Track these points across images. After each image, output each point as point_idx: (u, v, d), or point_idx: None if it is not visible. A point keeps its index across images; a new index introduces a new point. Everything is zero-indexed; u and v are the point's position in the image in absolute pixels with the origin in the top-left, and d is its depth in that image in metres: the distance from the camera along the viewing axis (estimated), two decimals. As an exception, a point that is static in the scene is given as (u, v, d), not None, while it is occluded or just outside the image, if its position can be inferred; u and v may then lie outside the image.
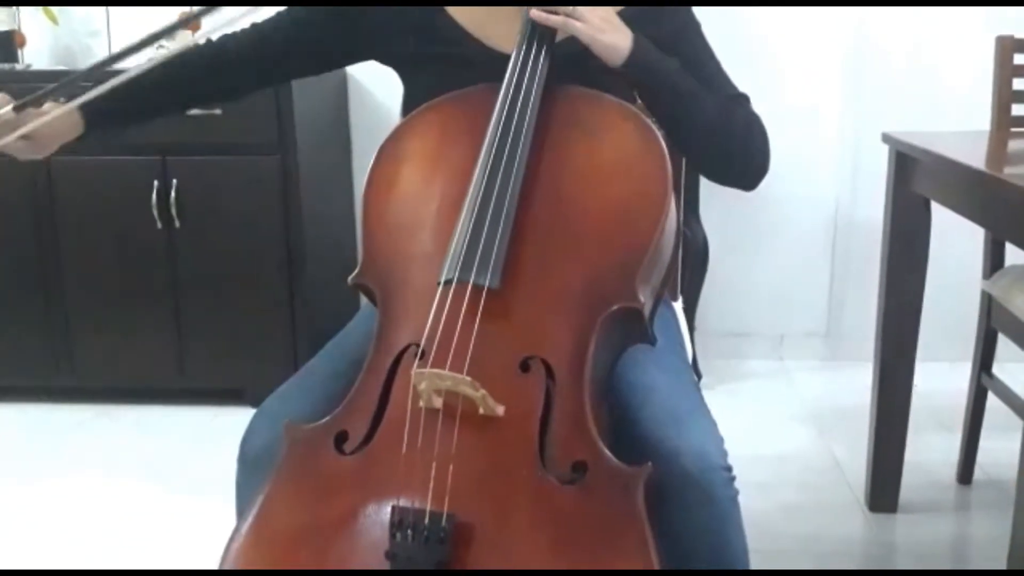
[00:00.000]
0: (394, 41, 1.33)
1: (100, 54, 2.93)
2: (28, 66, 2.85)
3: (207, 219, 2.58)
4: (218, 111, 2.49)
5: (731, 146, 1.27)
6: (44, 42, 3.01)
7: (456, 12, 1.31)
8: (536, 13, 1.17)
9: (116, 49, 2.92)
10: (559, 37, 1.23)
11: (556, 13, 1.16)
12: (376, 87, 2.96)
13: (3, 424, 2.65)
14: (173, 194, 2.55)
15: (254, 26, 1.36)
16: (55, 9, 2.90)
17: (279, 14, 1.37)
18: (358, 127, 3.05)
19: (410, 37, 1.32)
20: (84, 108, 1.22)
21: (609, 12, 1.20)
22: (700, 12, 1.36)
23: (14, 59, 2.82)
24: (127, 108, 1.29)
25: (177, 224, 2.57)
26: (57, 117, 1.17)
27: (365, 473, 0.99)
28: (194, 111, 2.44)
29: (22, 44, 2.88)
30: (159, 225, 2.57)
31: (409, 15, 1.31)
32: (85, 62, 3.01)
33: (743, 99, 1.32)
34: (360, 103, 3.02)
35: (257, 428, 1.16)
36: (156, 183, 2.56)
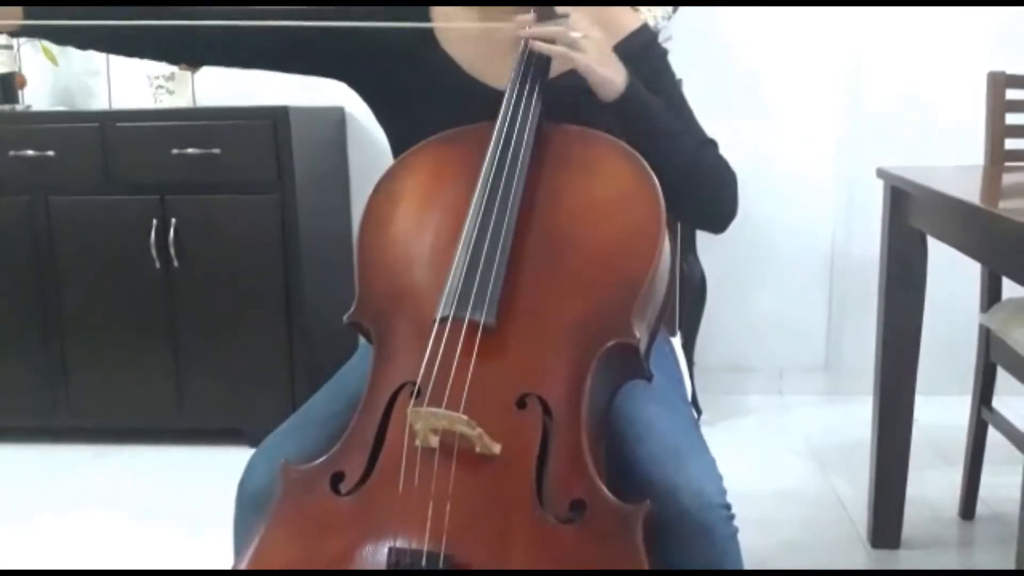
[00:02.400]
0: (387, 72, 1.34)
1: (100, 94, 2.96)
2: (28, 107, 2.87)
3: (206, 258, 2.59)
4: (216, 150, 2.51)
5: (703, 188, 1.31)
6: (44, 83, 3.04)
7: (450, 47, 1.32)
8: (539, 45, 1.19)
9: (115, 90, 2.96)
10: (554, 72, 1.24)
11: (555, 44, 1.18)
12: (375, 125, 2.96)
13: (0, 464, 2.64)
14: (172, 233, 2.56)
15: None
16: (55, 50, 2.93)
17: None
18: (356, 165, 3.07)
19: (403, 70, 1.33)
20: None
21: (605, 47, 1.22)
22: (697, 45, 1.38)
23: (15, 100, 2.85)
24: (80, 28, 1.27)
25: (176, 263, 2.58)
26: None
27: (361, 513, 0.99)
28: (191, 150, 2.51)
29: (23, 85, 2.90)
30: (158, 264, 2.58)
31: (403, 47, 1.32)
32: (85, 103, 3.04)
33: (713, 144, 1.35)
34: (358, 141, 3.04)
35: (255, 468, 1.15)
36: (155, 222, 2.56)
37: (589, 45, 1.19)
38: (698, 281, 2.77)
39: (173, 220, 2.56)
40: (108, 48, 1.37)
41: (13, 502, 2.40)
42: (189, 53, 1.38)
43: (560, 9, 1.22)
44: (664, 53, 1.38)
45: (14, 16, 1.24)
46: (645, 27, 1.36)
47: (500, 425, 0.98)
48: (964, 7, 2.81)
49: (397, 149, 1.35)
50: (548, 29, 1.19)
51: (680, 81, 1.40)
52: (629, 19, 1.36)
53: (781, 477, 2.44)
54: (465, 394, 0.99)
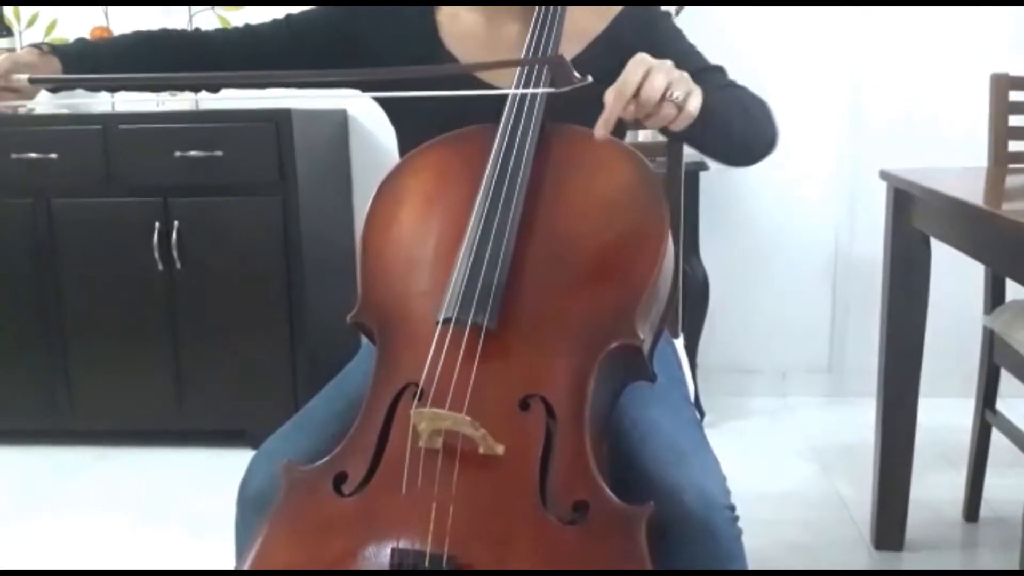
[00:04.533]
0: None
1: (102, 97, 2.95)
2: (31, 109, 2.87)
3: (208, 260, 2.59)
4: (219, 152, 2.51)
5: (752, 144, 1.25)
6: (47, 86, 3.04)
7: (454, 46, 1.33)
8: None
9: (118, 93, 2.96)
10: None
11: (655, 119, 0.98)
12: (377, 127, 2.98)
13: (2, 467, 2.64)
14: (174, 235, 2.56)
15: (248, 26, 1.36)
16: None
17: (277, 20, 1.37)
18: (359, 167, 3.07)
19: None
20: (64, 61, 1.24)
21: (668, 63, 1.01)
22: (699, 47, 1.37)
23: (17, 103, 2.84)
24: (103, 69, 1.28)
25: (178, 265, 2.58)
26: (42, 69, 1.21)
27: (364, 514, 0.98)
28: (193, 152, 2.51)
29: (26, 88, 2.90)
30: (160, 266, 2.58)
31: (407, 47, 1.32)
32: (87, 105, 3.03)
33: (720, 71, 1.31)
34: (361, 143, 3.04)
35: (256, 469, 1.15)
36: (157, 224, 2.56)
37: (673, 82, 0.98)
38: (701, 282, 2.77)
39: (176, 222, 2.56)
40: (140, 90, 1.37)
41: (15, 504, 2.40)
42: (212, 88, 1.39)
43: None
44: (660, 9, 1.36)
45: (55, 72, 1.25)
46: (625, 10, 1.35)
47: (503, 426, 0.98)
48: (967, 7, 2.81)
49: (404, 149, 1.35)
50: (642, 112, 0.98)
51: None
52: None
53: (784, 479, 2.43)
54: (468, 395, 0.99)
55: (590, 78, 0.98)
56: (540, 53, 1.22)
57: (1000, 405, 2.08)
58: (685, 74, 1.01)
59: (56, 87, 1.32)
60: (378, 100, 1.39)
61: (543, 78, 1.19)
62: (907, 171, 1.90)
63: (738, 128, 1.20)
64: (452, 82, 1.25)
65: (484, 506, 0.96)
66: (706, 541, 1.02)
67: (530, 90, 1.17)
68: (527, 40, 1.24)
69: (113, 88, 1.45)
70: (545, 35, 1.24)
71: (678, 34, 1.35)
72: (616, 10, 1.32)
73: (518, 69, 1.22)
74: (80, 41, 1.33)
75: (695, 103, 0.99)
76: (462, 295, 1.04)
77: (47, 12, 2.98)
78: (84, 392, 2.69)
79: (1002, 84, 2.11)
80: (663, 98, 0.97)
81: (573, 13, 1.30)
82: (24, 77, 1.14)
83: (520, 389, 1.01)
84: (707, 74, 1.27)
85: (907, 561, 2.01)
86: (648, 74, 0.97)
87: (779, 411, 2.95)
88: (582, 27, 1.31)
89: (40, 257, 2.63)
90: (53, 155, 2.57)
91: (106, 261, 2.61)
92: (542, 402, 1.00)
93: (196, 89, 1.43)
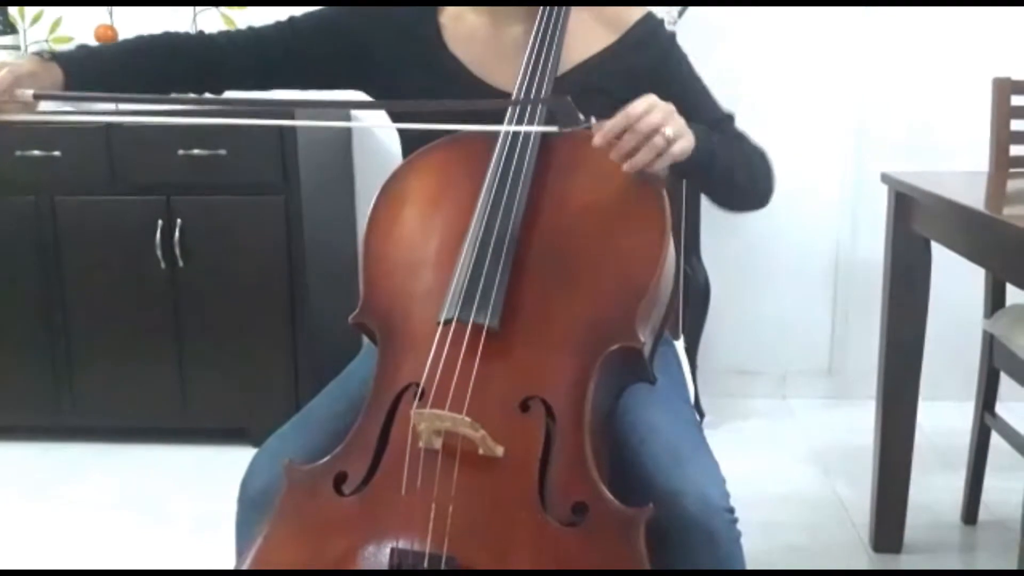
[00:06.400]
0: (396, 75, 1.35)
1: (107, 95, 2.96)
2: (35, 107, 2.88)
3: (211, 258, 2.59)
4: (223, 151, 2.51)
5: (748, 191, 1.33)
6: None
7: (457, 48, 1.33)
8: (629, 165, 1.07)
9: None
10: (563, 68, 1.25)
11: (645, 148, 1.06)
12: (380, 127, 2.98)
13: (5, 463, 2.64)
14: (177, 234, 2.57)
15: (252, 29, 1.36)
16: (63, 51, 2.94)
17: (280, 23, 1.37)
18: (362, 167, 3.07)
19: (412, 72, 1.33)
20: (66, 69, 1.23)
21: (671, 108, 1.09)
22: (702, 50, 1.39)
23: (22, 100, 2.85)
24: (106, 74, 1.28)
25: (181, 263, 2.58)
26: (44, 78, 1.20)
27: (364, 514, 0.99)
28: (197, 151, 2.51)
29: (30, 86, 2.90)
30: (163, 265, 2.58)
31: (411, 49, 1.33)
32: (91, 103, 3.04)
33: (730, 120, 1.36)
34: (364, 143, 3.05)
35: (258, 468, 1.16)
36: (160, 222, 2.57)
37: (668, 122, 1.07)
38: (702, 284, 2.77)
39: (179, 221, 2.57)
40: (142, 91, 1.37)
41: (19, 500, 2.40)
42: (216, 87, 1.39)
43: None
44: (671, 36, 1.38)
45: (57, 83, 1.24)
46: (649, 15, 1.36)
47: (503, 427, 0.99)
48: (970, 6, 2.81)
49: (407, 150, 1.36)
50: (634, 139, 1.06)
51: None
52: (631, 11, 1.36)
53: (784, 481, 2.43)
54: (468, 396, 1.00)
55: (594, 120, 1.08)
56: (544, 55, 1.22)
57: (999, 408, 2.08)
58: (682, 120, 1.09)
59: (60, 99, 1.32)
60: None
61: (545, 102, 1.20)
62: (908, 175, 1.90)
63: (739, 179, 1.28)
64: (458, 85, 1.27)
65: (483, 507, 0.96)
66: (705, 544, 1.03)
67: (526, 128, 1.18)
68: (530, 42, 1.24)
69: (119, 100, 1.45)
70: (549, 37, 1.24)
71: (690, 70, 1.37)
72: (625, 28, 1.33)
73: (523, 67, 1.22)
74: (82, 47, 1.33)
75: (681, 146, 1.08)
76: (463, 295, 1.05)
77: (51, 10, 2.98)
78: (87, 389, 2.70)
79: (1004, 88, 2.11)
80: (656, 131, 1.05)
81: (581, 24, 1.31)
82: (29, 93, 1.14)
83: (520, 390, 1.02)
84: (720, 126, 1.33)
85: (906, 563, 2.01)
86: (650, 109, 1.06)
87: (779, 413, 2.96)
88: (588, 39, 1.31)
89: (43, 255, 2.63)
90: (56, 152, 2.57)
91: (109, 259, 2.62)
92: (542, 404, 1.01)
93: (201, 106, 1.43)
